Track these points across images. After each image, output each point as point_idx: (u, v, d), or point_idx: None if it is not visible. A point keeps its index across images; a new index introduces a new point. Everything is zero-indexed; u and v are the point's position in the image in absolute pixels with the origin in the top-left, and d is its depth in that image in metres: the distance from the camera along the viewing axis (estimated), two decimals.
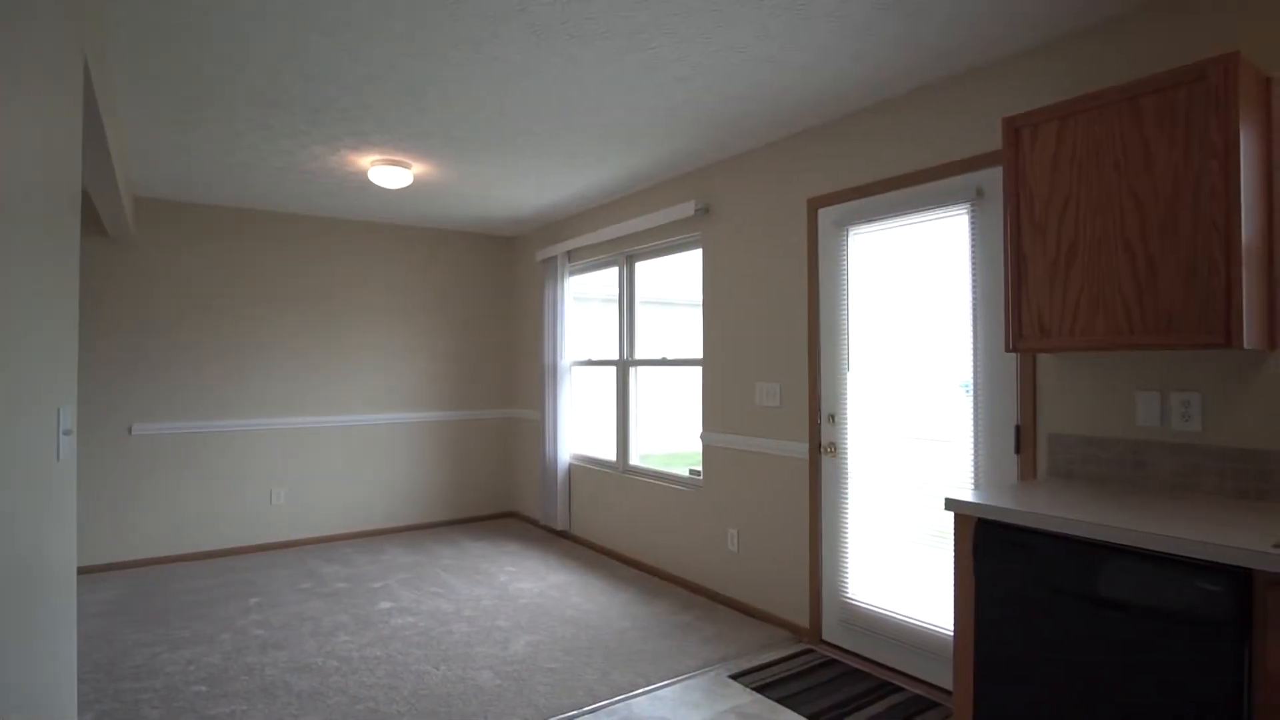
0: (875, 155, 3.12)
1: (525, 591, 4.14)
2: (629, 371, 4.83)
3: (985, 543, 2.04)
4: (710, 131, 3.48)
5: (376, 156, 3.85)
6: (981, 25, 2.40)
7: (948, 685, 2.82)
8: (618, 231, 4.65)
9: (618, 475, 4.85)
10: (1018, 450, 2.60)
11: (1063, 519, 1.86)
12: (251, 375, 5.09)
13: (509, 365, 6.32)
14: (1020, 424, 2.59)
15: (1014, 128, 2.28)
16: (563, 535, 5.47)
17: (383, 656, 3.22)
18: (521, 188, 4.56)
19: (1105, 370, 2.38)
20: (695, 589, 4.12)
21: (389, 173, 3.94)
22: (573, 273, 5.43)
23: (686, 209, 4.06)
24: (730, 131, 3.48)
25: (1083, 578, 1.82)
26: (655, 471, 4.59)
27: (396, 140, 3.58)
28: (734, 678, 2.99)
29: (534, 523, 5.91)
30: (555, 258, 5.39)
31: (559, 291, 5.36)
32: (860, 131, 3.19)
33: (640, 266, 4.81)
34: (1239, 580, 1.56)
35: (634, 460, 4.81)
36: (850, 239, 3.23)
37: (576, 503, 5.31)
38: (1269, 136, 1.99)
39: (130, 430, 4.69)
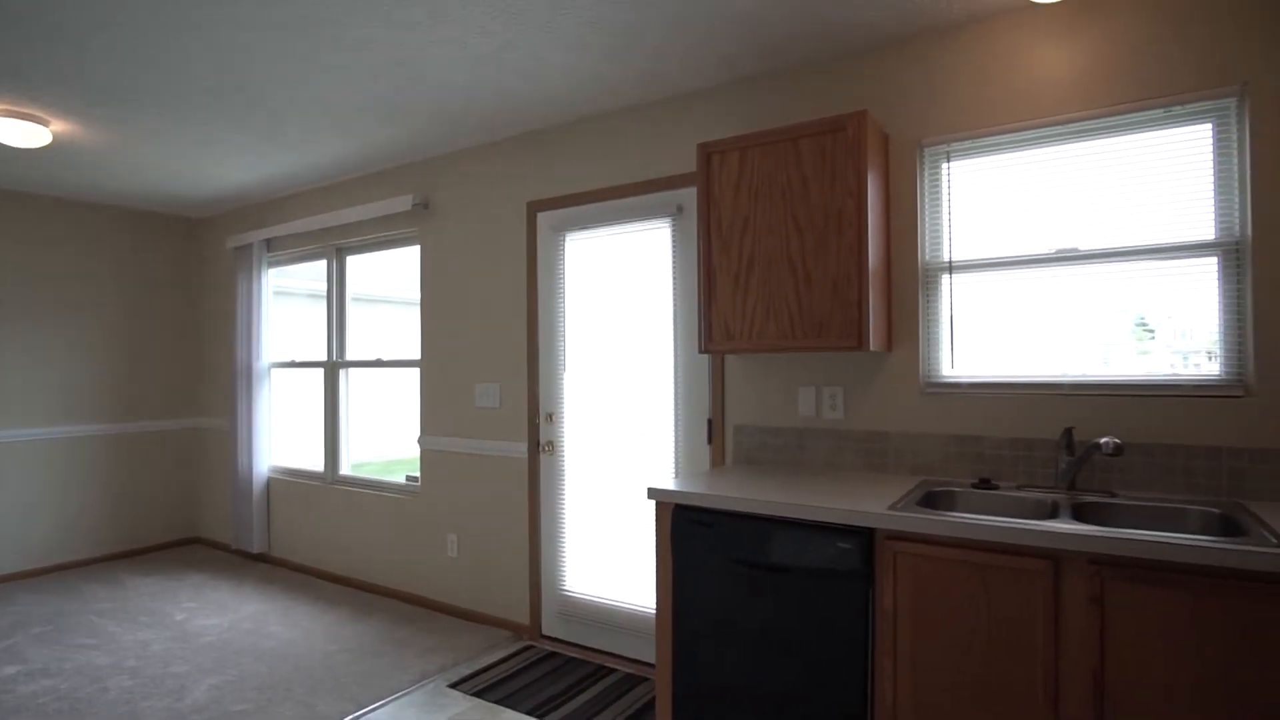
0: (592, 165, 3.27)
1: (209, 628, 3.60)
2: (339, 373, 4.46)
3: (680, 526, 2.25)
4: (430, 123, 3.36)
5: None
6: (681, 56, 2.65)
7: (654, 660, 3.06)
8: (327, 221, 4.27)
9: (326, 487, 4.45)
10: (710, 440, 2.92)
11: (739, 499, 2.13)
12: None
13: (193, 368, 5.44)
14: (712, 417, 2.91)
15: (706, 153, 2.56)
16: (260, 559, 4.87)
17: None
18: (207, 163, 3.96)
19: (777, 369, 2.78)
20: (414, 600, 3.94)
21: (14, 127, 3.16)
22: (273, 264, 4.86)
23: (404, 202, 3.87)
24: (451, 126, 3.39)
25: (757, 548, 2.10)
26: (369, 480, 4.30)
27: (28, 88, 2.88)
28: (453, 686, 2.92)
29: (224, 548, 5.17)
30: (251, 246, 4.78)
31: (256, 285, 4.76)
32: (579, 140, 3.32)
33: (352, 261, 4.47)
34: (865, 538, 1.93)
35: (345, 469, 4.46)
36: (567, 244, 3.35)
37: (277, 521, 4.76)
38: (886, 182, 2.49)
39: None
